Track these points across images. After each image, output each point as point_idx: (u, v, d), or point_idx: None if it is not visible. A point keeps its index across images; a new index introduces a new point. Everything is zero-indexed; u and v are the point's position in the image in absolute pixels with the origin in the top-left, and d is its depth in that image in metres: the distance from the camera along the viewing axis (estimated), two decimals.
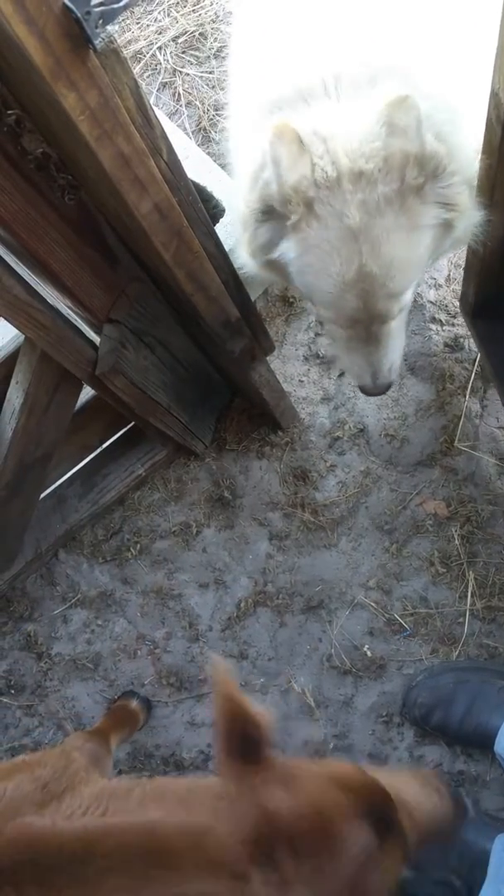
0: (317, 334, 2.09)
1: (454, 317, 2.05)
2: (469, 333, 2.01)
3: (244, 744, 0.95)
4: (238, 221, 1.33)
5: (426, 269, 1.40)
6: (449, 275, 2.08)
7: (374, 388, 1.49)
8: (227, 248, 1.38)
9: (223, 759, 0.96)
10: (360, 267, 1.18)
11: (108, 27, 0.86)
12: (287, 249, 1.24)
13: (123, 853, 0.92)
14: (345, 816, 0.93)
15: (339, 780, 0.97)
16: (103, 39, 0.86)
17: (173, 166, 1.12)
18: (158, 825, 0.94)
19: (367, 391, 1.52)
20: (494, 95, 1.16)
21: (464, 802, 1.05)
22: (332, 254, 1.18)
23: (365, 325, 1.32)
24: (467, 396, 1.98)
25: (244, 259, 1.37)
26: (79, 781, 1.05)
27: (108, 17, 0.84)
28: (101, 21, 0.83)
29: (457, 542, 1.87)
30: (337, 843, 0.91)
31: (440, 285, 2.07)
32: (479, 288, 1.70)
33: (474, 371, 1.99)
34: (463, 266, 2.02)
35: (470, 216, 1.29)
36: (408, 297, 1.31)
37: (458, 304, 2.04)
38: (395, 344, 1.42)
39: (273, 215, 1.22)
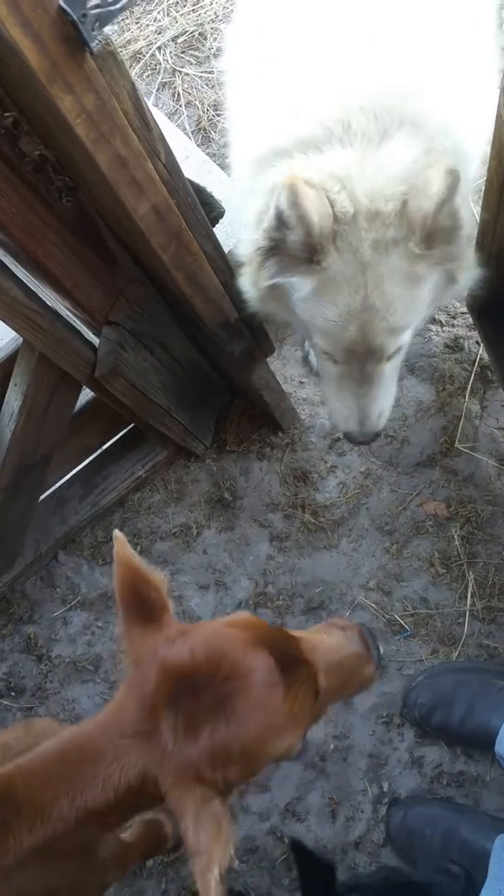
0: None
1: (454, 318, 2.04)
2: (469, 335, 2.01)
3: (143, 607, 0.99)
4: (244, 257, 1.33)
5: (426, 316, 1.40)
6: None
7: (361, 436, 1.46)
8: (226, 249, 1.38)
9: (126, 627, 0.99)
10: (365, 299, 1.20)
11: (105, 29, 0.85)
12: (301, 283, 1.24)
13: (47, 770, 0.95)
14: (242, 647, 0.96)
15: (235, 622, 1.02)
16: (100, 42, 0.85)
17: (171, 168, 1.12)
18: (74, 731, 0.98)
19: (352, 438, 1.49)
20: None
21: (379, 654, 1.12)
22: (342, 285, 1.20)
23: (360, 362, 1.32)
24: (467, 397, 1.97)
25: (246, 287, 1.36)
26: None
27: (105, 20, 0.83)
28: (97, 23, 0.83)
29: (457, 542, 1.87)
30: (235, 671, 0.93)
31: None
32: (486, 287, 1.69)
33: (474, 372, 1.99)
34: None
35: (471, 270, 1.33)
36: (405, 337, 1.31)
37: (458, 305, 2.04)
38: (388, 389, 1.42)
39: (278, 251, 1.23)
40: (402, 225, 1.14)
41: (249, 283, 1.34)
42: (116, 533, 1.05)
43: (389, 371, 1.39)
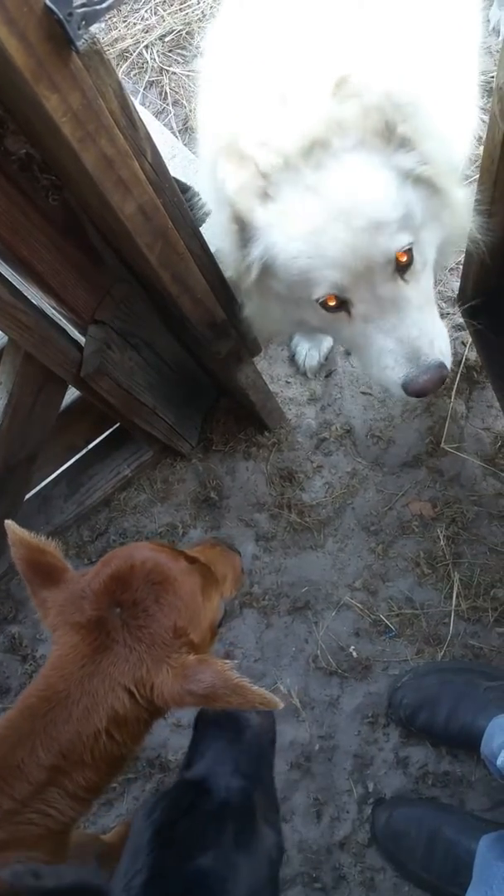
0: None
1: (440, 318, 2.05)
2: (455, 335, 2.01)
3: (46, 574, 1.09)
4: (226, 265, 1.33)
5: (424, 234, 1.25)
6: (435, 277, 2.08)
7: (423, 373, 1.25)
8: (212, 249, 1.37)
9: (37, 595, 1.08)
10: (329, 211, 1.14)
11: (92, 28, 0.85)
12: (258, 250, 1.21)
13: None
14: (147, 548, 1.10)
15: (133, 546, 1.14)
16: (86, 41, 0.85)
17: (158, 168, 1.12)
18: (32, 688, 1.04)
19: (413, 383, 1.26)
20: (498, 90, 1.16)
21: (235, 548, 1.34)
22: (297, 218, 1.16)
23: (371, 286, 1.19)
24: (453, 398, 1.98)
25: (245, 305, 1.36)
26: None
27: (91, 19, 0.83)
28: (83, 22, 0.82)
29: (442, 542, 1.87)
30: (152, 561, 1.06)
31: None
32: (477, 285, 1.70)
33: (459, 373, 1.99)
34: (450, 268, 2.02)
35: (458, 193, 1.26)
36: (403, 239, 1.18)
37: (443, 305, 2.05)
38: (427, 317, 1.26)
39: (244, 227, 1.21)
40: (349, 133, 1.12)
41: (244, 296, 1.33)
42: (7, 522, 1.15)
43: (416, 296, 1.24)
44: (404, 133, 1.14)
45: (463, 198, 1.29)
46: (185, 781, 0.93)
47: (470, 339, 2.00)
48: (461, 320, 2.03)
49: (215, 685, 0.97)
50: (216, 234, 1.33)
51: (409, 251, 1.20)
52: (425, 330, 1.24)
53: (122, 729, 1.02)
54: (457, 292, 2.00)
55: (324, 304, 1.24)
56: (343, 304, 1.24)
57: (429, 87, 1.23)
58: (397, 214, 1.17)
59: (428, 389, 1.28)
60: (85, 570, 1.10)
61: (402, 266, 1.20)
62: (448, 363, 1.28)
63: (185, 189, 1.26)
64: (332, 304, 1.23)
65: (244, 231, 1.22)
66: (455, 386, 1.98)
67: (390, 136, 1.14)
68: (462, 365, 2.00)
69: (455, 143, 1.32)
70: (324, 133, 1.11)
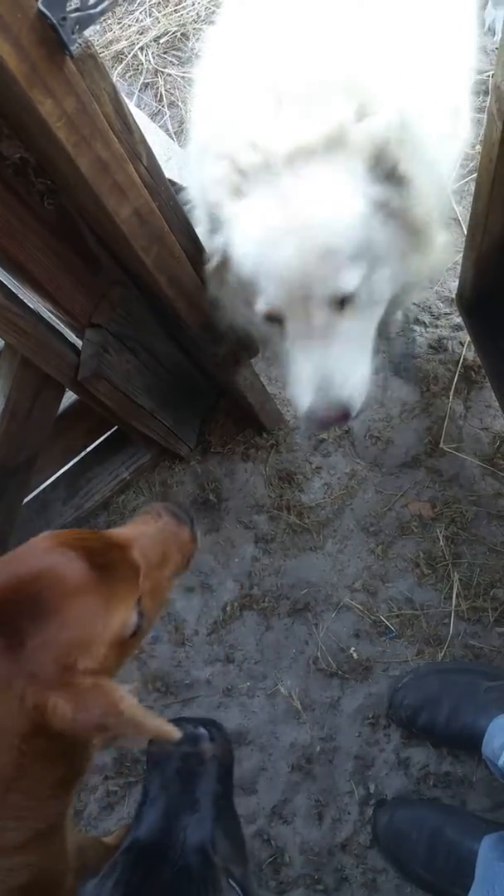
0: None
1: (437, 318, 2.05)
2: (453, 335, 2.02)
3: None
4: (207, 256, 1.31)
5: (380, 271, 1.22)
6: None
7: (325, 408, 1.24)
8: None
9: None
10: (287, 220, 1.11)
11: (86, 31, 0.85)
12: (221, 239, 1.20)
13: None
14: (37, 555, 0.97)
15: (32, 542, 1.01)
16: (80, 45, 0.85)
17: (153, 171, 1.12)
18: None
19: (313, 415, 1.25)
20: (496, 89, 1.16)
21: (191, 519, 1.17)
22: (259, 218, 1.14)
23: (306, 308, 1.17)
24: (451, 398, 1.98)
25: (209, 286, 1.33)
26: None
27: (85, 23, 0.83)
28: (77, 27, 0.82)
29: (441, 543, 1.87)
30: (37, 575, 0.94)
31: (424, 287, 2.07)
32: (476, 284, 1.69)
33: (458, 372, 1.99)
34: (448, 268, 2.02)
35: (436, 237, 1.22)
36: (351, 277, 1.15)
37: (441, 305, 2.04)
38: (352, 351, 1.24)
39: (213, 218, 1.20)
40: (338, 150, 1.09)
41: (207, 279, 1.30)
42: None
43: (349, 329, 1.21)
44: (403, 171, 1.12)
45: (441, 243, 1.26)
46: (138, 847, 0.84)
47: (468, 339, 2.00)
48: (459, 320, 2.03)
49: (106, 715, 0.89)
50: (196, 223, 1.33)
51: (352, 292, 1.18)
52: (343, 367, 1.23)
53: (38, 746, 0.93)
54: (455, 292, 2.00)
55: (264, 314, 1.23)
56: (279, 320, 1.23)
57: (428, 102, 1.22)
58: (352, 246, 1.14)
59: (326, 425, 1.28)
60: None
61: (342, 299, 1.18)
62: (356, 406, 1.26)
63: (180, 191, 1.26)
64: (269, 315, 1.22)
65: (213, 222, 1.21)
66: (453, 386, 1.98)
67: (379, 167, 1.11)
68: (460, 365, 2.00)
69: (447, 169, 1.30)
70: (315, 144, 1.09)
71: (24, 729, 0.89)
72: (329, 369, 1.22)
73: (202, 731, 0.91)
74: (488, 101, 1.20)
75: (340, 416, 1.25)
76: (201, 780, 0.88)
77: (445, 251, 1.30)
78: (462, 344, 2.02)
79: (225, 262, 1.24)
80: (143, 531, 1.13)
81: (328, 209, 1.12)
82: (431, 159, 1.23)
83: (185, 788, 0.87)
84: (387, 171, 1.12)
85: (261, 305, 1.21)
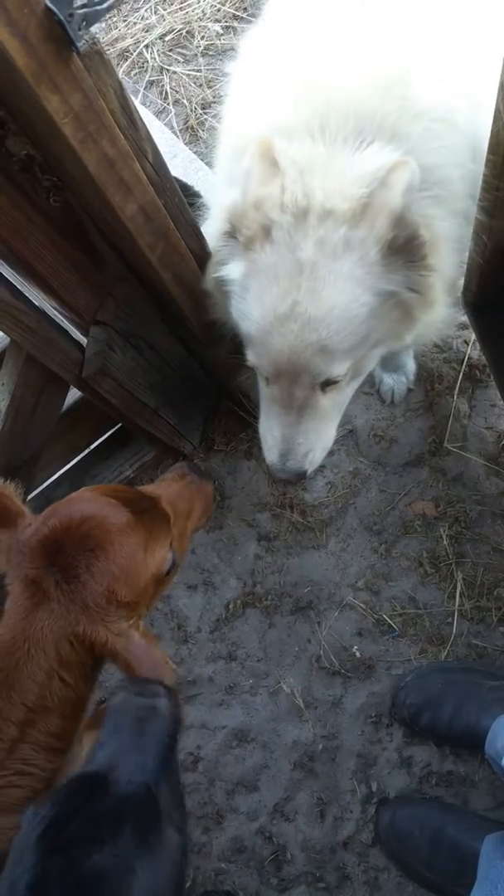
0: None
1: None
2: (457, 334, 2.01)
3: (1, 515, 1.12)
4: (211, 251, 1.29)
5: (369, 357, 1.26)
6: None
7: (281, 471, 1.33)
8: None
9: None
10: (295, 304, 1.11)
11: (92, 28, 0.85)
12: (233, 269, 1.18)
13: None
14: (86, 502, 1.12)
15: (78, 493, 1.17)
16: (87, 41, 0.85)
17: (159, 168, 1.12)
18: None
19: (273, 472, 1.36)
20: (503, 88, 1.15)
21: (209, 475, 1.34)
22: (272, 281, 1.12)
23: (289, 384, 1.22)
24: (455, 396, 1.98)
25: (206, 284, 1.33)
26: None
27: (92, 19, 0.83)
28: (84, 23, 0.82)
29: (445, 542, 1.87)
30: (87, 517, 1.08)
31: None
32: (482, 281, 1.68)
33: (462, 371, 1.99)
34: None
35: (436, 312, 1.22)
36: (339, 367, 1.19)
37: None
38: (321, 427, 1.30)
39: (235, 237, 1.17)
40: (361, 224, 1.07)
41: (207, 278, 1.29)
42: None
43: (326, 407, 1.27)
44: (421, 244, 1.11)
45: (441, 317, 1.26)
46: (81, 775, 0.87)
47: (473, 338, 2.00)
48: (464, 319, 2.03)
49: (142, 657, 1.03)
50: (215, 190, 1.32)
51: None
52: (310, 441, 1.30)
53: (71, 672, 1.05)
54: (461, 291, 1.99)
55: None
56: (264, 375, 1.28)
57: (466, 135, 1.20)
58: (349, 345, 1.16)
59: (284, 483, 1.49)
60: (37, 517, 1.13)
61: (327, 382, 1.22)
62: (313, 468, 1.35)
63: (186, 189, 1.26)
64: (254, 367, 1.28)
65: (231, 238, 1.19)
66: (458, 385, 1.98)
67: (401, 249, 1.10)
68: (465, 364, 1.99)
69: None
70: (343, 210, 1.07)
71: (67, 655, 1.03)
72: (296, 442, 1.30)
73: (160, 688, 0.97)
74: (495, 98, 1.20)
75: (295, 479, 1.37)
76: (153, 730, 0.92)
77: (443, 324, 1.30)
78: (467, 343, 2.01)
79: (228, 288, 1.24)
80: (170, 486, 1.28)
81: (335, 310, 1.12)
82: (459, 206, 1.22)
83: (138, 733, 0.91)
84: (404, 244, 1.10)
85: (250, 359, 1.25)
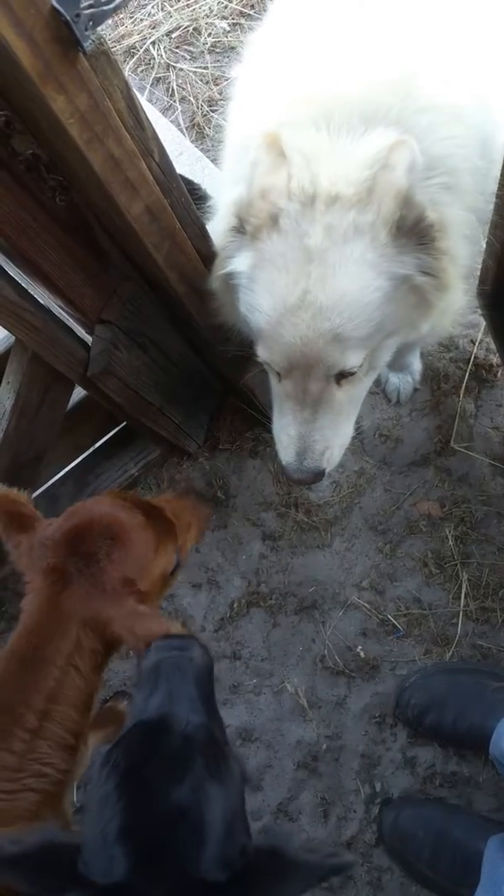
0: None
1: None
2: (464, 333, 2.00)
3: (19, 521, 1.20)
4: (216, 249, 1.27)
5: (388, 348, 1.24)
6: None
7: (298, 471, 1.29)
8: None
9: (11, 541, 1.19)
10: (305, 292, 1.09)
11: (98, 29, 0.84)
12: (241, 262, 1.16)
13: None
14: (106, 504, 1.20)
15: (95, 498, 1.26)
16: (93, 41, 0.85)
17: (165, 168, 1.11)
18: (15, 636, 1.13)
19: (289, 472, 1.31)
20: None
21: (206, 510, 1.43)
22: (281, 271, 1.10)
23: (303, 378, 1.19)
24: (461, 396, 1.97)
25: (211, 282, 1.30)
26: None
27: (98, 19, 0.82)
28: (90, 23, 0.82)
29: (450, 542, 1.87)
30: (107, 515, 1.16)
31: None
32: (498, 276, 1.67)
33: (468, 371, 1.98)
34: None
35: (451, 298, 1.19)
36: (354, 357, 1.16)
37: None
38: (337, 426, 1.27)
39: (242, 231, 1.15)
40: (368, 208, 1.05)
41: (213, 276, 1.27)
42: None
43: (342, 401, 1.24)
44: (431, 220, 1.08)
45: (457, 303, 1.23)
46: (142, 723, 0.91)
47: (479, 337, 1.99)
48: (471, 317, 2.02)
49: (154, 627, 1.08)
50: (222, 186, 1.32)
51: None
52: (327, 437, 1.27)
53: (83, 660, 1.11)
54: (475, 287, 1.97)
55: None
56: (276, 371, 1.25)
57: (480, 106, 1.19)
58: (363, 333, 1.13)
59: (301, 484, 1.47)
60: (52, 520, 1.19)
61: (342, 373, 1.19)
62: (330, 469, 1.32)
63: (192, 187, 1.25)
64: (266, 364, 1.25)
65: (238, 233, 1.17)
66: (464, 385, 1.98)
67: (410, 231, 1.07)
68: (471, 363, 1.99)
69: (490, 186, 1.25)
70: (350, 195, 1.06)
71: (84, 641, 1.10)
72: (312, 439, 1.26)
73: (192, 638, 1.05)
74: None
75: (313, 479, 1.32)
76: (195, 675, 0.98)
77: (458, 312, 1.27)
78: (473, 342, 2.01)
79: (235, 281, 1.22)
80: (170, 502, 1.34)
81: (347, 297, 1.09)
82: (468, 199, 1.20)
83: (183, 680, 0.97)
84: (413, 225, 1.08)
85: (261, 354, 1.22)
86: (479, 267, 1.60)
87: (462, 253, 1.18)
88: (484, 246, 1.46)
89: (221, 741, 0.93)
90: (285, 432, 1.28)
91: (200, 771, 0.85)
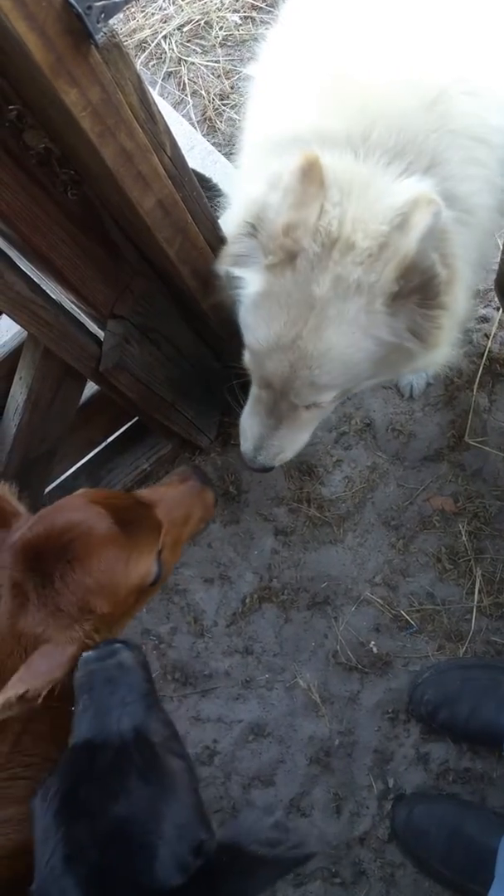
0: None
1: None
2: (478, 327, 1.99)
3: None
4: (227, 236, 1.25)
5: (363, 383, 1.28)
6: None
7: (252, 461, 1.41)
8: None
9: None
10: (297, 337, 1.11)
11: (110, 22, 0.84)
12: (250, 282, 1.16)
13: None
14: (72, 509, 1.13)
15: (70, 497, 1.18)
16: (105, 34, 0.84)
17: (177, 162, 1.11)
18: None
19: (244, 458, 1.44)
20: None
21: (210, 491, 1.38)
22: (283, 309, 1.11)
23: (275, 396, 1.26)
24: (475, 391, 1.96)
25: (217, 268, 1.29)
26: None
27: (111, 12, 0.82)
28: (102, 15, 0.81)
29: (464, 538, 1.86)
30: (69, 525, 1.09)
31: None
32: None
33: (482, 365, 1.97)
34: None
35: (438, 354, 1.20)
36: (326, 397, 1.23)
37: None
38: (295, 436, 1.37)
39: (255, 237, 1.13)
40: (375, 267, 1.05)
41: (219, 263, 1.26)
42: None
43: (306, 419, 1.33)
44: (437, 283, 1.07)
45: (444, 358, 1.25)
46: (75, 746, 0.91)
47: (493, 331, 1.98)
48: (484, 311, 2.01)
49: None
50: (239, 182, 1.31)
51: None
52: (283, 444, 1.37)
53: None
54: (494, 278, 1.95)
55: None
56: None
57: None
58: (339, 382, 1.19)
59: (251, 470, 1.51)
60: (30, 517, 1.14)
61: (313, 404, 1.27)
62: (277, 464, 1.43)
63: (204, 181, 1.24)
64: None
65: (251, 238, 1.15)
66: (478, 379, 1.96)
67: (413, 291, 1.06)
68: (485, 357, 1.98)
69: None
70: (363, 248, 1.04)
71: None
72: (270, 442, 1.37)
73: (118, 644, 1.02)
74: None
75: (262, 471, 1.46)
76: (126, 682, 0.96)
77: (440, 362, 1.28)
78: (487, 336, 1.99)
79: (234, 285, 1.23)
80: (169, 492, 1.29)
81: (331, 352, 1.12)
82: (485, 227, 1.19)
83: (113, 691, 0.95)
84: (416, 287, 1.07)
85: (245, 359, 1.29)
86: (496, 262, 1.59)
87: (462, 306, 1.18)
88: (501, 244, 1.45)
89: (161, 740, 0.91)
90: (249, 427, 1.39)
91: (134, 780, 0.84)
